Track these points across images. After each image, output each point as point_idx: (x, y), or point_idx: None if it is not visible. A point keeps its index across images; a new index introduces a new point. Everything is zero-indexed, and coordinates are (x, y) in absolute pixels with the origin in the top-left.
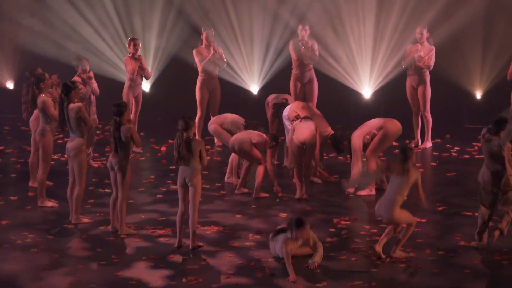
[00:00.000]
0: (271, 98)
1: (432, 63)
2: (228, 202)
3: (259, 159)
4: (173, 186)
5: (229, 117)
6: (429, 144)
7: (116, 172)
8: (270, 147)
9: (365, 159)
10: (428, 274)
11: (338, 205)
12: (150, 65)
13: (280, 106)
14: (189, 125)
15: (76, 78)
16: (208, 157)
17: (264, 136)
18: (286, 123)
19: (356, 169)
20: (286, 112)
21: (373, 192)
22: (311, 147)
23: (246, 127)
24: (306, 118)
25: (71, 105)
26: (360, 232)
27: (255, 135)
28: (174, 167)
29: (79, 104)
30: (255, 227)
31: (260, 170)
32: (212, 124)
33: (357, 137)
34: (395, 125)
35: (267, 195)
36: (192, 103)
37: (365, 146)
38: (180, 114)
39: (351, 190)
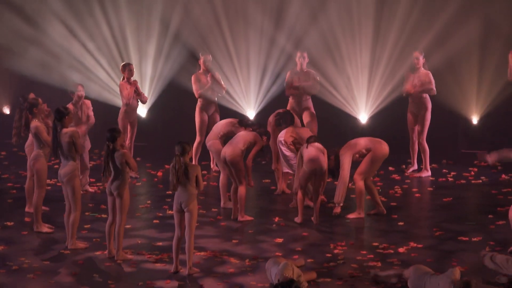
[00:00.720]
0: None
1: (433, 86)
2: (224, 227)
3: (242, 179)
4: (170, 212)
5: (220, 123)
6: (426, 172)
7: (115, 197)
8: (262, 145)
9: (351, 182)
10: None
11: (334, 230)
12: (147, 90)
13: (283, 114)
14: (185, 150)
15: (70, 106)
16: (205, 182)
17: (252, 135)
18: (283, 148)
19: (343, 185)
20: (281, 137)
21: (362, 215)
22: (322, 172)
23: (240, 122)
24: (311, 140)
25: (64, 130)
26: (356, 257)
27: (242, 142)
28: (170, 192)
29: (73, 129)
30: (252, 253)
31: (242, 192)
32: (210, 141)
33: (347, 155)
34: (383, 148)
35: (252, 218)
36: (189, 128)
37: (353, 164)
38: (177, 139)
39: (337, 210)
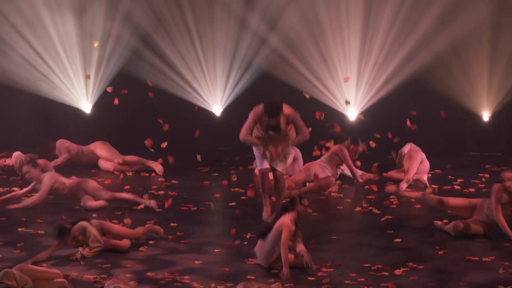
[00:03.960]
0: None
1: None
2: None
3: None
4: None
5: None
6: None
7: None
8: None
9: None
10: None
11: (317, 248)
12: (93, 79)
13: None
14: (64, 233)
15: None
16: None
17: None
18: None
19: None
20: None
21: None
22: None
23: None
24: None
25: None
26: (344, 281)
27: None
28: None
29: None
30: (225, 274)
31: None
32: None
33: None
34: None
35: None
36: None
37: None
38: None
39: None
